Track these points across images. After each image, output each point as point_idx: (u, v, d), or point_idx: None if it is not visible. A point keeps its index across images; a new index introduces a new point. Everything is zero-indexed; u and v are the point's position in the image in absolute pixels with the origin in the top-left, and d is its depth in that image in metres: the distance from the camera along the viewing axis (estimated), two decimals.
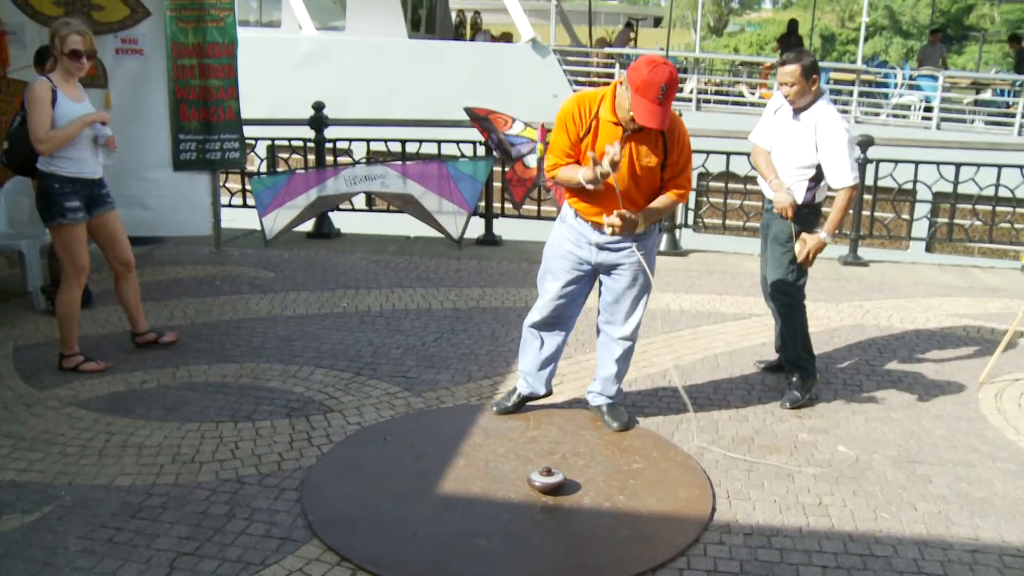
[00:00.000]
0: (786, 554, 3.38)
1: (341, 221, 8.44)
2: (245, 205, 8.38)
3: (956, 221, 8.22)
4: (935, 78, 13.17)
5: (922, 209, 8.51)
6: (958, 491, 3.89)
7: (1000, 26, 37.55)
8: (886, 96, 13.68)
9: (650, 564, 3.26)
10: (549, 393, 4.54)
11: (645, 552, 3.35)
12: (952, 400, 4.87)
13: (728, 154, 7.86)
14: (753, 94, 14.30)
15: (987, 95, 13.90)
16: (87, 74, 7.11)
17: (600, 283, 4.31)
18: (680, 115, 4.09)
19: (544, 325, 4.36)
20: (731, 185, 8.24)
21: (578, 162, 3.93)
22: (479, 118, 7.74)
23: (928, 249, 9.70)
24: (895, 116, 13.47)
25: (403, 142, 8.25)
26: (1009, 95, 14.00)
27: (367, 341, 5.49)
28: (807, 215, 4.73)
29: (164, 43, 6.97)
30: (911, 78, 13.34)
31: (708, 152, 7.96)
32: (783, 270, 4.79)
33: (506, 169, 7.98)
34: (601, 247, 4.10)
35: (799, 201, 4.68)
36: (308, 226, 8.10)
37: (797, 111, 4.62)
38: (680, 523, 3.56)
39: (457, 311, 6.14)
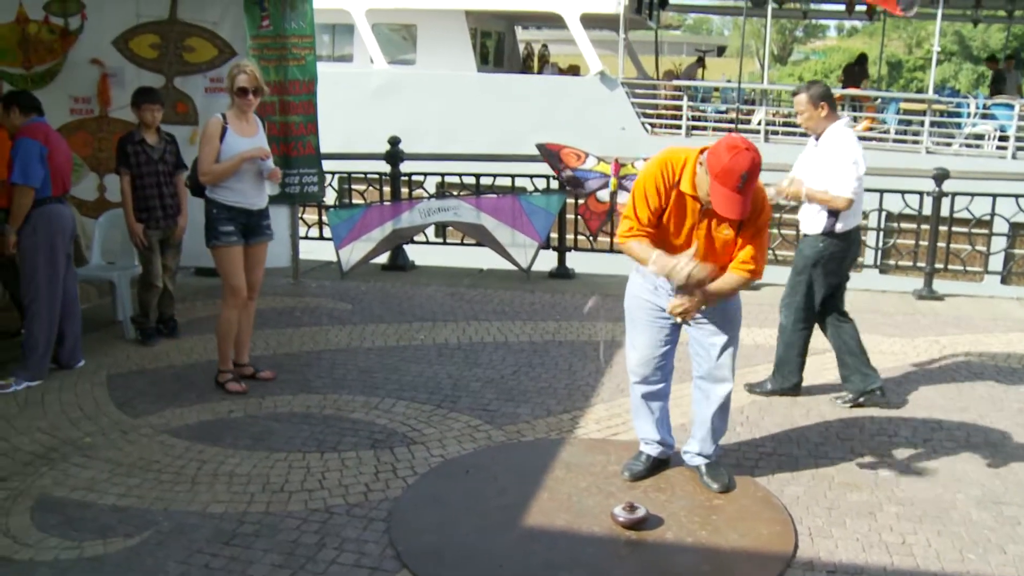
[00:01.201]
0: None
1: (415, 253, 8.60)
2: (321, 237, 8.60)
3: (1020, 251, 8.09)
4: (1011, 107, 12.95)
5: (999, 242, 8.38)
6: None
7: None
8: (959, 125, 13.49)
9: None
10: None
11: None
12: None
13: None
14: None
15: None
16: (179, 111, 7.50)
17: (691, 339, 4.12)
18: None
19: (647, 382, 4.13)
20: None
21: (655, 230, 3.76)
22: (549, 154, 7.85)
23: (1004, 282, 9.52)
24: (968, 146, 13.27)
25: (477, 176, 8.39)
26: None
27: (446, 374, 5.59)
28: (832, 244, 5.04)
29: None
30: (985, 107, 13.14)
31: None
32: (792, 292, 5.20)
33: (580, 202, 8.07)
34: None
35: (821, 229, 5.00)
36: (383, 258, 8.28)
37: (817, 137, 5.03)
38: (763, 560, 3.57)
39: (533, 344, 6.22)
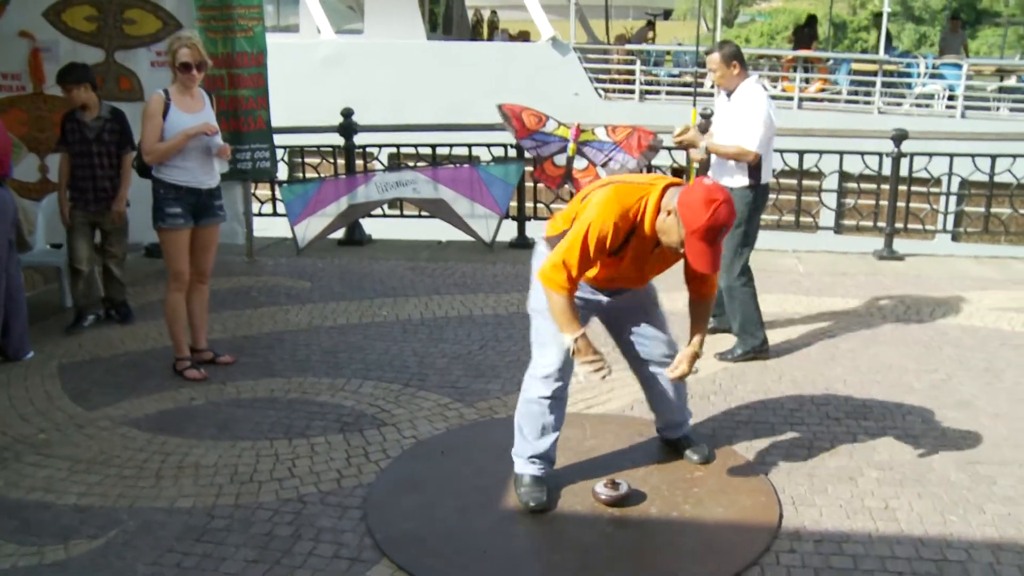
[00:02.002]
0: (859, 560, 3.34)
1: (372, 227, 8.41)
2: (275, 213, 8.36)
3: (971, 209, 8.15)
4: (959, 66, 13.06)
5: (951, 201, 8.44)
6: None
7: (1014, 9, 37.26)
8: (909, 86, 13.58)
9: (725, 575, 3.22)
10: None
11: (718, 563, 3.31)
12: (1007, 398, 4.81)
13: None
14: (775, 87, 14.21)
15: (1011, 82, 13.79)
16: (122, 88, 7.19)
17: (617, 328, 3.94)
18: None
19: (562, 383, 3.73)
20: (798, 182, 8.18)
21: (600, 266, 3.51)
22: (507, 117, 7.68)
23: (955, 239, 9.60)
24: (918, 106, 13.38)
25: (433, 146, 8.21)
26: None
27: (411, 351, 5.46)
28: (753, 197, 5.25)
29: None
30: (934, 67, 13.24)
31: None
32: (736, 251, 5.30)
33: (534, 168, 7.93)
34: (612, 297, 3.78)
35: (746, 182, 5.18)
36: (339, 233, 8.08)
37: (728, 94, 5.23)
38: (749, 531, 3.52)
39: (498, 317, 6.11)
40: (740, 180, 5.21)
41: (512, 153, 8.00)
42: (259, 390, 4.89)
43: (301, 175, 8.38)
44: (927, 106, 13.26)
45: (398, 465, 4.03)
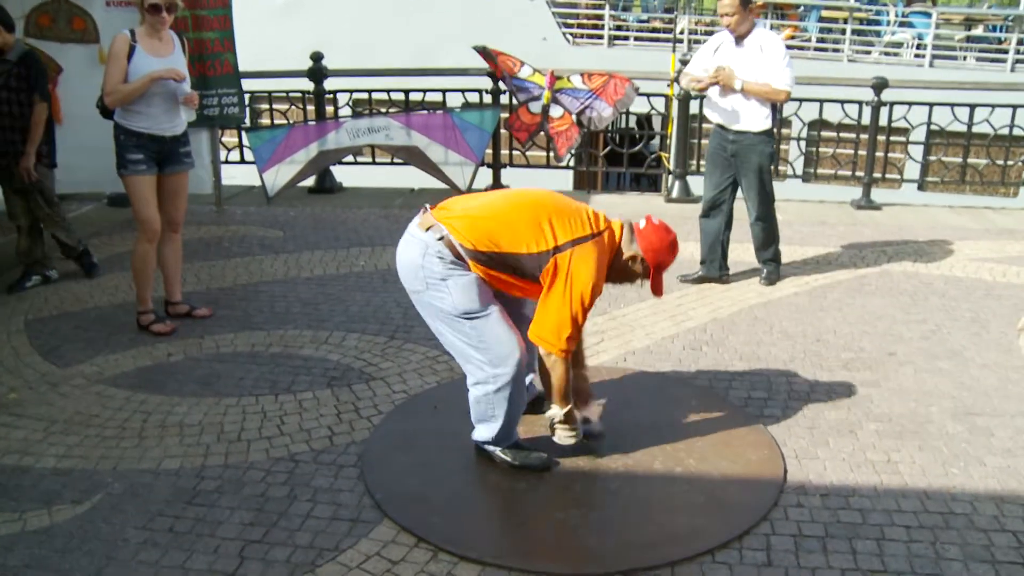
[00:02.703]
0: (867, 514, 3.31)
1: (342, 175, 8.17)
2: (243, 161, 8.08)
3: (948, 159, 8.15)
4: (928, 15, 13.01)
5: (917, 151, 8.43)
6: (1022, 443, 3.83)
7: None
8: (878, 34, 13.51)
9: (735, 531, 3.17)
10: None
11: (728, 519, 3.25)
12: (994, 348, 4.81)
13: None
14: None
15: (979, 31, 13.80)
16: (75, 28, 6.81)
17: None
18: None
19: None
20: None
21: None
22: (489, 56, 7.47)
23: (921, 188, 9.61)
24: (886, 54, 13.33)
25: (406, 92, 7.97)
26: (1001, 30, 13.88)
27: (394, 302, 5.31)
28: (772, 137, 5.49)
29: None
30: (903, 15, 13.17)
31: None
32: (763, 196, 5.53)
33: (509, 115, 7.74)
34: None
35: (766, 127, 5.36)
36: (310, 181, 7.84)
37: (739, 39, 5.25)
38: (756, 486, 3.47)
39: None
40: (763, 123, 5.35)
41: (488, 99, 7.77)
42: (239, 344, 4.72)
43: (270, 122, 8.07)
44: (896, 55, 13.23)
45: (391, 421, 3.91)
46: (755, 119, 5.33)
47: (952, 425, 3.97)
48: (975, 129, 7.74)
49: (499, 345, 3.34)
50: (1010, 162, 8.07)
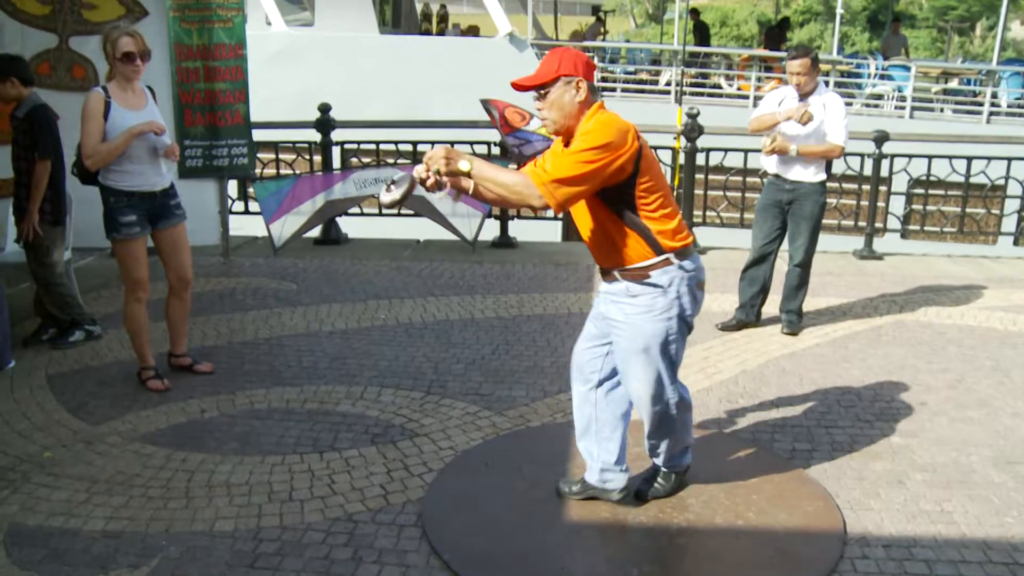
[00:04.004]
0: (932, 566, 3.31)
1: (347, 226, 8.15)
2: (247, 211, 8.04)
3: (948, 209, 8.32)
4: (907, 68, 13.38)
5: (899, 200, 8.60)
6: None
7: (928, 12, 38.56)
8: (859, 86, 13.84)
9: None
10: None
11: (799, 572, 3.24)
12: (1020, 397, 4.88)
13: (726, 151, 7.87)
14: (731, 85, 14.33)
15: (954, 84, 14.21)
16: (75, 76, 6.78)
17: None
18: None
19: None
20: (734, 179, 8.22)
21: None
22: (492, 110, 7.53)
23: (904, 237, 9.79)
24: (867, 105, 13.65)
25: (414, 144, 8.00)
26: (975, 84, 14.30)
27: (423, 356, 5.27)
28: (823, 191, 5.69)
29: (167, 45, 6.61)
30: (883, 68, 13.53)
31: (710, 149, 7.88)
32: (811, 244, 5.74)
33: (517, 167, 7.79)
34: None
35: (821, 178, 5.60)
36: (315, 232, 7.82)
37: (803, 96, 5.46)
38: (819, 539, 3.47)
39: (502, 320, 5.96)
40: (819, 175, 5.61)
41: (496, 152, 7.82)
42: (273, 400, 4.65)
43: (276, 172, 8.05)
44: (876, 106, 13.56)
45: (444, 479, 3.86)
46: (810, 170, 5.58)
47: (996, 474, 4.01)
48: (971, 180, 7.92)
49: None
50: (995, 211, 8.28)
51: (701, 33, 16.10)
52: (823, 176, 5.61)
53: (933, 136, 8.84)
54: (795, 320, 5.83)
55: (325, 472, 3.91)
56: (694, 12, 17.39)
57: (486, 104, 7.52)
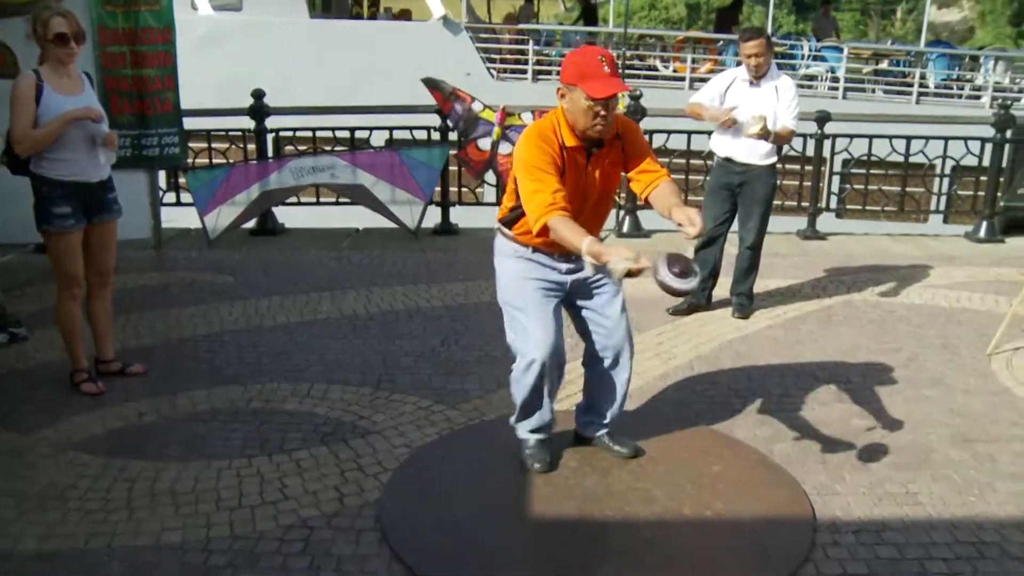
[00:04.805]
0: (903, 549, 3.28)
1: (284, 215, 7.89)
2: (179, 203, 7.72)
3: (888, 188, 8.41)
4: (839, 49, 13.53)
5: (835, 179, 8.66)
6: None
7: None
8: (794, 67, 13.94)
9: (784, 574, 3.09)
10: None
11: (773, 563, 3.18)
12: (971, 374, 4.92)
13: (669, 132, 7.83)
14: (667, 67, 14.32)
15: (884, 65, 14.43)
16: None
17: (578, 313, 3.73)
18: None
19: (554, 357, 3.55)
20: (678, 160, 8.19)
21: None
22: (438, 86, 7.34)
23: (839, 216, 9.89)
24: (801, 87, 13.73)
25: (352, 130, 7.77)
26: (904, 65, 14.54)
27: (370, 349, 5.09)
28: (775, 173, 5.66)
29: (89, 28, 6.25)
30: (816, 50, 13.66)
31: (653, 131, 7.80)
32: (762, 226, 5.66)
33: (458, 150, 7.64)
34: (573, 272, 3.59)
35: (772, 160, 5.53)
36: (251, 222, 7.55)
37: (756, 79, 5.38)
38: (789, 527, 3.41)
39: (449, 309, 5.80)
40: (770, 158, 5.53)
41: (436, 136, 7.64)
42: (216, 400, 4.42)
43: (208, 162, 7.74)
44: (810, 87, 13.68)
45: (401, 478, 3.70)
46: (763, 152, 5.48)
47: (955, 453, 4.01)
48: (895, 159, 8.01)
49: (521, 342, 3.56)
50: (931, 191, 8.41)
51: (589, 16, 15.95)
52: (774, 158, 5.55)
53: (873, 116, 8.93)
54: (746, 303, 5.79)
55: (275, 475, 3.71)
56: (738, 2, 16.98)
57: (433, 82, 7.33)
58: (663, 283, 3.01)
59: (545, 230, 3.29)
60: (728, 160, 5.55)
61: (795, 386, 4.69)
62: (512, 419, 3.83)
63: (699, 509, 3.48)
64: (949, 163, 8.09)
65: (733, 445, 4.02)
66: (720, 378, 4.79)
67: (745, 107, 5.33)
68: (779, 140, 5.42)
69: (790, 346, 5.27)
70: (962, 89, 14.40)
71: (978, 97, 14.05)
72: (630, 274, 2.99)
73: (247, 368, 4.83)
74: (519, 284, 3.56)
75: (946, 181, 8.44)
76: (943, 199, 8.65)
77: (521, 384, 3.62)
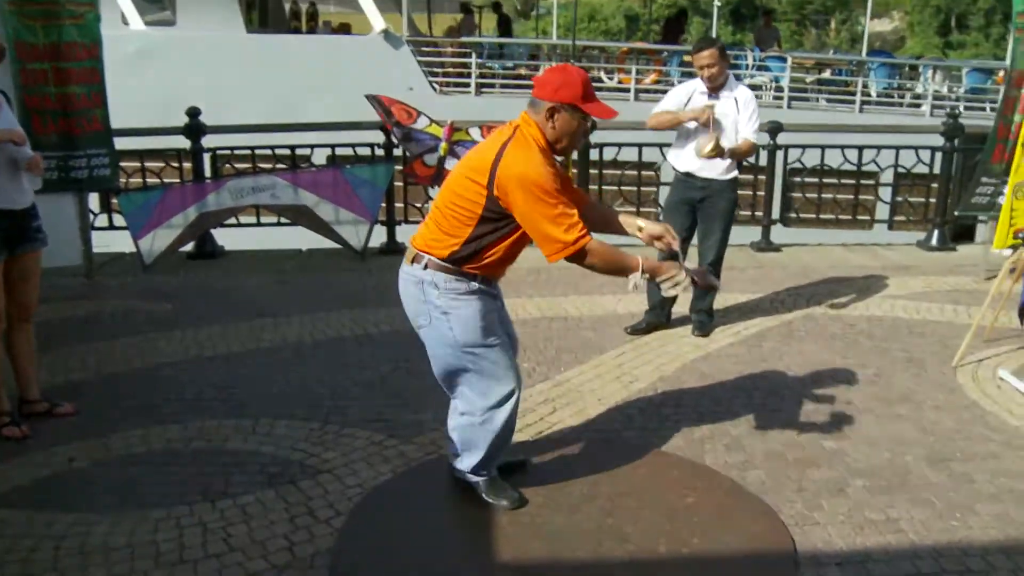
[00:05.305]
0: None
1: (224, 238, 7.55)
2: (112, 226, 7.35)
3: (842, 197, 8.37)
4: (783, 59, 13.59)
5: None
6: (1002, 487, 3.80)
7: (786, 6, 39.90)
8: (739, 77, 13.92)
9: None
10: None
11: None
12: (939, 388, 4.83)
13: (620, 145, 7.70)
14: (611, 79, 14.24)
15: (827, 75, 14.55)
16: None
17: None
18: None
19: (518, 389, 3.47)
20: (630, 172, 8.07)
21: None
22: (381, 105, 7.10)
23: (785, 224, 9.86)
24: None
25: (292, 148, 7.49)
26: (847, 74, 14.68)
27: (317, 380, 4.82)
28: (735, 187, 5.51)
29: (7, 44, 5.88)
30: (760, 59, 13.69)
31: (603, 144, 7.67)
32: (723, 242, 5.49)
33: (404, 166, 7.40)
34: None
35: (734, 175, 5.36)
36: (188, 246, 7.21)
37: (714, 90, 5.21)
38: (770, 563, 3.25)
39: (399, 334, 5.52)
40: (731, 172, 5.36)
41: (380, 152, 7.39)
42: (153, 441, 4.11)
43: (142, 183, 7.38)
44: (757, 96, 13.65)
45: (356, 523, 3.43)
46: (724, 167, 5.30)
47: (932, 474, 3.88)
48: (848, 168, 7.97)
49: (495, 380, 3.35)
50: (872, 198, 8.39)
51: (504, 26, 15.89)
52: (735, 172, 5.41)
53: (824, 127, 8.93)
54: (706, 320, 5.63)
55: (219, 524, 3.42)
56: (496, 5, 17.19)
57: (373, 99, 7.09)
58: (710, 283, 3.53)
59: (508, 257, 3.27)
60: (688, 175, 5.38)
61: (763, 407, 4.53)
62: (472, 469, 3.52)
63: (676, 546, 3.28)
64: (901, 172, 8.05)
65: (705, 474, 3.84)
66: (685, 401, 4.61)
67: (702, 126, 5.18)
68: (739, 155, 5.28)
69: (754, 364, 5.12)
70: (903, 97, 14.58)
71: (918, 105, 14.22)
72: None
73: (186, 404, 4.51)
74: (486, 321, 3.32)
75: (895, 190, 8.42)
76: (887, 208, 8.60)
77: (496, 423, 3.39)
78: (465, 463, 3.54)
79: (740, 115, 5.22)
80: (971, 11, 39.23)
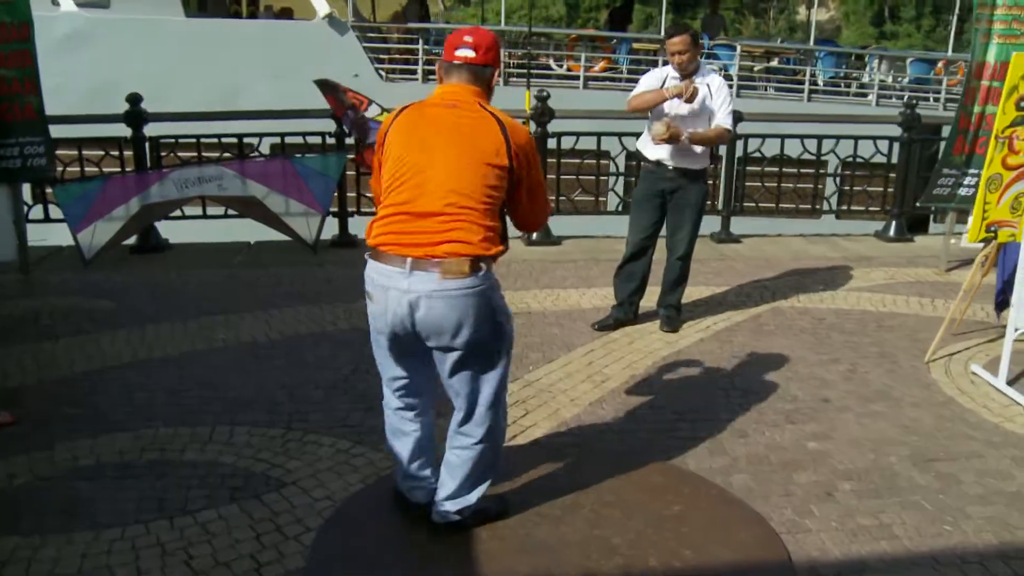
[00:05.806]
0: None
1: (168, 230, 7.20)
2: (48, 219, 6.94)
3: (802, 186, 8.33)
4: (732, 47, 13.55)
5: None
6: (990, 487, 3.74)
7: None
8: None
9: None
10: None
11: None
12: (914, 384, 4.77)
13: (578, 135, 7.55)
14: (560, 66, 14.05)
15: (775, 63, 14.56)
16: None
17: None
18: None
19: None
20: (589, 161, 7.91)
21: None
22: (333, 89, 6.82)
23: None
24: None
25: (240, 137, 7.15)
26: (795, 63, 14.70)
27: (275, 382, 4.56)
28: (707, 178, 5.48)
29: None
30: (709, 48, 13.61)
31: (561, 134, 7.48)
32: (694, 236, 5.39)
33: (355, 155, 7.14)
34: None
35: (706, 165, 5.32)
36: (131, 239, 6.85)
37: (685, 77, 5.07)
38: (767, 572, 3.09)
39: (358, 331, 5.28)
40: (705, 161, 5.30)
41: (331, 141, 7.11)
42: (103, 452, 3.81)
43: (80, 173, 6.97)
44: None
45: (325, 539, 3.21)
46: (697, 157, 5.21)
47: (919, 476, 3.80)
48: (807, 158, 7.91)
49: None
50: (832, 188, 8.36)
51: (421, 9, 15.57)
52: (708, 163, 5.31)
53: (780, 116, 8.84)
54: (675, 316, 5.50)
55: (179, 545, 3.17)
56: (629, 1, 16.76)
57: (325, 84, 6.80)
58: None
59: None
60: (658, 164, 5.22)
61: (740, 407, 4.40)
62: (479, 499, 3.22)
63: (666, 558, 3.13)
64: (859, 161, 8.01)
65: (690, 480, 3.69)
66: (661, 401, 4.46)
67: (677, 106, 5.04)
68: (709, 141, 5.17)
69: (726, 360, 5.00)
70: (849, 87, 14.67)
71: (865, 95, 14.31)
72: None
73: (137, 411, 4.22)
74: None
75: (843, 179, 8.38)
76: (836, 196, 8.56)
77: (499, 446, 3.25)
78: (472, 495, 3.18)
79: (712, 102, 5.10)
80: (903, 2, 39.84)
